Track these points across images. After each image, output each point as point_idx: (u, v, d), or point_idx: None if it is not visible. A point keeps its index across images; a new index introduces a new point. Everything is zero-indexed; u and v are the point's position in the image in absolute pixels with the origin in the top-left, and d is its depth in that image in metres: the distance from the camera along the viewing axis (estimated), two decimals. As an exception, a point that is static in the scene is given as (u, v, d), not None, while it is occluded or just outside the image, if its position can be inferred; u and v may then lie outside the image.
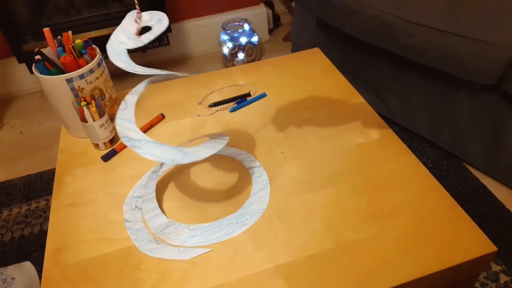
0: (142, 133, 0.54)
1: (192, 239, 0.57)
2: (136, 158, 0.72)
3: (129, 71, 0.54)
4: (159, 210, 0.61)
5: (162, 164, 0.63)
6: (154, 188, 0.63)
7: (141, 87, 0.58)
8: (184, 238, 0.57)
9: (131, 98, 0.56)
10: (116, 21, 1.76)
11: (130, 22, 0.58)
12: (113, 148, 0.73)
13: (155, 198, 0.62)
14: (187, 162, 0.54)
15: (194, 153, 0.54)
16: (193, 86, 0.88)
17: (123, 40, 0.56)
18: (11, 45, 1.67)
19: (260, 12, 1.94)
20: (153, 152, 0.52)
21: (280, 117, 0.77)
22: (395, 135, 0.71)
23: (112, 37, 0.58)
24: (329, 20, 1.33)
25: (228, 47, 1.78)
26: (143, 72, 0.54)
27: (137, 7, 0.57)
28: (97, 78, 0.72)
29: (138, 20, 0.58)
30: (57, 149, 0.79)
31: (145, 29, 0.57)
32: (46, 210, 1.29)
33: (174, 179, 0.67)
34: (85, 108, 0.68)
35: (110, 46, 0.57)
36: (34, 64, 0.70)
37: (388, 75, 1.32)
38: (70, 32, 0.73)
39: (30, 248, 1.17)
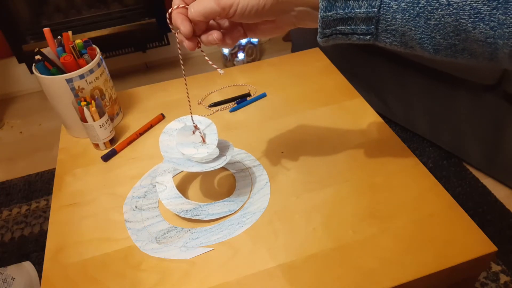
0: (193, 202, 0.59)
1: (194, 241, 0.57)
2: (136, 158, 0.72)
3: (208, 169, 0.55)
4: (161, 217, 0.61)
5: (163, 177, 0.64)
6: (158, 199, 0.63)
7: (168, 165, 0.62)
8: (186, 240, 0.57)
9: (164, 178, 0.61)
10: (116, 21, 1.76)
11: (187, 135, 0.58)
12: (113, 148, 0.73)
13: (158, 208, 0.62)
14: (239, 208, 0.61)
15: (238, 198, 0.61)
16: (193, 86, 0.88)
17: (192, 152, 0.56)
18: (11, 45, 1.67)
19: (260, 12, 1.93)
20: (212, 212, 0.59)
21: (280, 117, 0.77)
22: (395, 135, 0.71)
23: (174, 156, 0.57)
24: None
25: (228, 47, 1.78)
26: (220, 165, 0.57)
27: (192, 118, 0.58)
28: (97, 78, 0.72)
29: (195, 129, 0.58)
30: (57, 149, 0.79)
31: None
32: (46, 210, 1.29)
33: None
34: (85, 108, 0.68)
35: (176, 164, 0.56)
36: (34, 64, 0.70)
37: (388, 75, 1.32)
38: (70, 32, 0.73)
39: (30, 248, 1.18)
